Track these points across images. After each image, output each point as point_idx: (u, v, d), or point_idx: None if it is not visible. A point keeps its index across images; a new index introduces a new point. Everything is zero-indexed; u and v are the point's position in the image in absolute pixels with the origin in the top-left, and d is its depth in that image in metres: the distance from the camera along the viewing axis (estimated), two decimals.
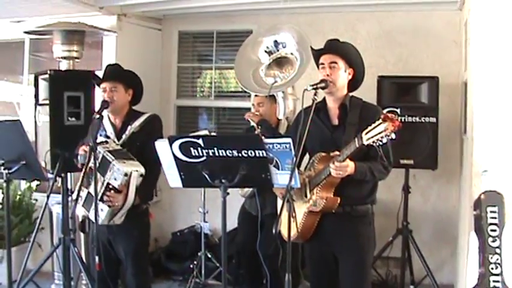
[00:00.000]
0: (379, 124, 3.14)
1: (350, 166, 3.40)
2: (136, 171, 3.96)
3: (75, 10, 5.89)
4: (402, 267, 5.69)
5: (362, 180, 3.58)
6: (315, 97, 3.52)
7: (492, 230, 4.05)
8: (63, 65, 5.69)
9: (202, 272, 5.81)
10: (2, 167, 4.28)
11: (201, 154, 3.41)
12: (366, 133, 3.21)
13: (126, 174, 3.92)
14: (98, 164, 3.93)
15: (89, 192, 4.12)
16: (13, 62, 6.82)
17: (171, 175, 3.57)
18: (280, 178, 3.33)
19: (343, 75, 3.68)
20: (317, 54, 3.77)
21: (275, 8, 6.27)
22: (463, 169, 5.33)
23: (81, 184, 3.97)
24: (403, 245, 5.60)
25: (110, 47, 6.24)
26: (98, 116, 3.97)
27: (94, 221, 3.90)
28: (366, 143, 3.20)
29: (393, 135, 3.13)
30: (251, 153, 3.30)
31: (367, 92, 5.56)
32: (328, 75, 3.62)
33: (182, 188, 3.63)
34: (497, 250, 4.03)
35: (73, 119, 4.99)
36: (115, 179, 3.95)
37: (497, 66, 4.30)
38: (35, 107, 5.22)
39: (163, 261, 6.43)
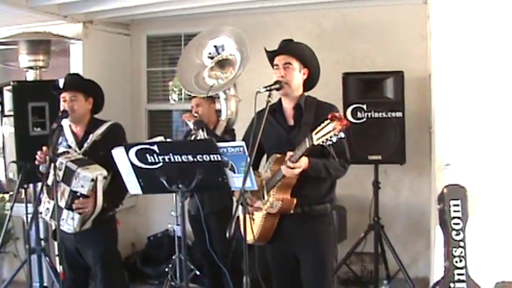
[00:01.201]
0: (328, 124, 3.16)
1: (304, 162, 3.40)
2: (101, 174, 3.97)
3: (40, 20, 5.87)
4: (376, 262, 5.71)
5: (319, 180, 3.58)
6: (269, 99, 3.51)
7: (455, 224, 4.09)
8: (30, 75, 5.71)
9: (177, 275, 5.80)
10: None
11: (157, 160, 3.42)
12: (316, 133, 3.22)
13: (92, 180, 3.92)
14: (61, 175, 3.96)
15: (55, 204, 4.08)
16: None
17: (130, 182, 3.58)
18: (237, 181, 3.34)
19: (297, 75, 3.67)
20: (271, 55, 3.76)
21: (240, 9, 6.27)
22: (432, 162, 5.36)
23: (42, 193, 4.03)
24: (375, 240, 5.62)
25: (77, 55, 6.23)
26: (55, 126, 3.96)
27: (64, 230, 3.98)
28: (316, 142, 3.21)
29: (342, 134, 3.14)
30: (206, 157, 3.31)
31: (334, 89, 5.63)
32: (282, 76, 3.62)
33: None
34: (461, 243, 4.07)
35: (38, 129, 5.00)
36: (82, 186, 3.95)
37: (457, 60, 4.34)
38: (1, 119, 5.21)
39: (139, 266, 6.44)
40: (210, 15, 6.49)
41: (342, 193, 6.06)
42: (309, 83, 3.79)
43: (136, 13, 6.33)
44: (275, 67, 3.70)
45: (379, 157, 5.45)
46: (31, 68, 5.64)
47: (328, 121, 3.16)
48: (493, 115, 4.29)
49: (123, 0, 5.81)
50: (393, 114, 5.41)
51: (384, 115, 5.43)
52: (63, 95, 4.21)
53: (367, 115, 5.44)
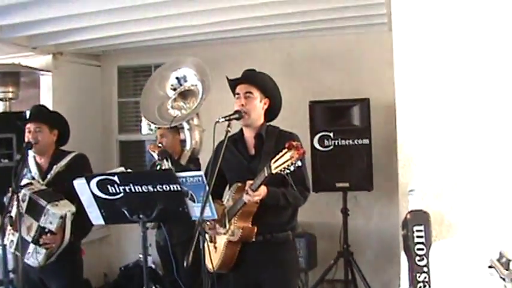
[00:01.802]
0: (285, 153, 3.17)
1: (263, 191, 3.42)
2: (69, 211, 3.99)
3: (9, 52, 5.89)
4: None
5: (280, 207, 3.59)
6: (228, 129, 3.53)
7: (419, 249, 4.08)
8: None
9: None
10: None
11: (118, 191, 3.40)
12: (274, 161, 3.23)
13: (61, 217, 3.95)
14: (25, 207, 3.97)
15: (20, 236, 4.06)
16: None
17: (92, 213, 3.55)
18: (197, 210, 3.31)
19: (258, 105, 3.70)
20: (233, 84, 3.79)
21: (210, 39, 6.33)
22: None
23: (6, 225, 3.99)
24: (345, 267, 5.62)
25: (47, 86, 6.26)
26: (19, 157, 4.02)
27: (29, 264, 4.01)
28: (274, 171, 3.22)
29: (299, 163, 3.16)
30: (166, 187, 3.31)
31: (303, 117, 5.68)
32: (243, 105, 3.65)
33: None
34: (425, 269, 4.05)
35: (6, 160, 4.99)
36: (50, 223, 3.97)
37: (420, 86, 4.36)
38: None
39: None
40: (180, 46, 6.54)
41: (311, 220, 6.19)
42: (271, 113, 3.81)
43: (106, 44, 6.37)
44: (236, 96, 3.73)
45: (347, 184, 5.50)
46: (0, 99, 5.64)
47: (286, 150, 3.18)
48: (458, 140, 4.31)
49: (92, 32, 5.81)
50: (360, 141, 5.48)
51: (351, 142, 5.49)
52: (28, 125, 4.23)
53: (334, 143, 5.50)
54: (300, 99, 5.98)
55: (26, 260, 4.07)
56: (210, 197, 3.26)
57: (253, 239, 3.57)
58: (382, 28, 5.92)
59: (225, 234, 3.64)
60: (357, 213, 6.05)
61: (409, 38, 4.42)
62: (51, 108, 6.01)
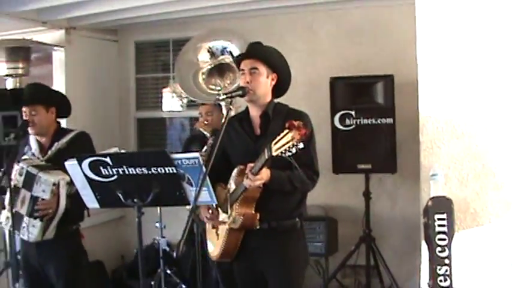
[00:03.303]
0: (286, 133, 2.90)
1: (265, 174, 3.17)
2: (63, 179, 3.82)
3: (19, 26, 5.72)
4: (367, 276, 5.45)
5: (286, 193, 3.34)
6: (230, 106, 3.28)
7: (440, 239, 3.80)
8: (9, 83, 5.56)
9: None
10: None
11: (111, 173, 3.20)
12: (275, 143, 2.97)
13: (54, 184, 3.80)
14: (22, 181, 3.87)
15: (15, 212, 3.95)
16: None
17: (87, 196, 3.36)
18: None
19: (264, 81, 3.42)
20: (237, 59, 3.52)
21: (229, 12, 6.05)
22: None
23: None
24: (367, 253, 5.36)
25: (59, 62, 6.07)
26: (14, 135, 3.94)
27: (25, 239, 3.91)
28: (274, 153, 2.95)
29: (301, 145, 2.88)
30: (161, 170, 3.09)
31: (326, 95, 5.39)
32: (248, 82, 3.37)
33: None
34: (446, 261, 3.77)
35: (12, 137, 4.85)
36: (43, 191, 3.83)
37: (444, 63, 4.08)
38: None
39: (125, 279, 6.27)
40: (199, 19, 6.28)
41: (333, 203, 5.92)
42: (279, 89, 3.53)
43: (121, 17, 6.11)
44: (241, 72, 3.46)
45: (369, 166, 5.22)
46: (10, 75, 5.50)
47: (287, 130, 2.91)
48: (486, 121, 4.02)
49: (106, 4, 5.59)
50: (383, 120, 5.17)
51: (374, 122, 5.19)
52: (23, 109, 4.09)
53: (356, 122, 5.20)
54: (322, 75, 5.69)
55: (21, 236, 3.95)
56: (209, 181, 3.02)
57: (258, 227, 3.33)
58: (409, 0, 5.57)
59: (227, 220, 3.40)
60: (382, 196, 5.76)
61: (432, 13, 4.14)
62: (64, 86, 5.92)
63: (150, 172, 3.11)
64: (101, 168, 3.19)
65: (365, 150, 5.18)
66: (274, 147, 2.96)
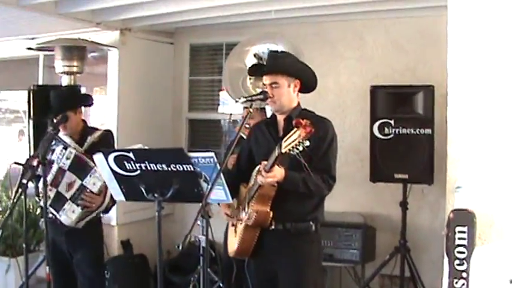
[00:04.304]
0: (295, 131, 3.06)
1: (279, 173, 3.28)
2: None
3: (74, 27, 5.98)
4: (401, 286, 5.41)
5: (303, 195, 3.43)
6: (250, 109, 3.41)
7: (459, 252, 3.75)
8: (65, 80, 5.82)
9: (201, 285, 5.70)
10: None
11: (135, 168, 3.38)
12: (285, 141, 3.12)
13: (105, 182, 3.94)
14: (69, 164, 4.14)
15: (58, 192, 4.19)
16: (31, 77, 6.99)
17: (114, 188, 3.58)
18: (213, 193, 3.23)
19: (287, 91, 3.57)
20: (258, 75, 3.70)
21: (282, 18, 6.13)
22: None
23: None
24: (401, 263, 5.32)
25: (114, 62, 6.29)
26: (51, 129, 4.13)
27: (61, 221, 4.14)
28: (283, 150, 3.10)
29: (307, 143, 2.99)
30: (179, 167, 3.25)
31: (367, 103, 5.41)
32: (271, 96, 3.53)
33: None
34: (463, 274, 3.72)
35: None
36: (94, 184, 4.10)
37: (473, 74, 4.02)
38: (28, 120, 5.38)
39: (167, 274, 6.42)
40: (252, 24, 6.41)
41: (373, 212, 5.91)
42: (306, 88, 3.67)
43: (175, 20, 6.27)
44: (264, 85, 3.61)
45: (406, 176, 5.18)
46: (66, 73, 5.76)
47: (295, 129, 3.06)
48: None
49: (161, 6, 5.76)
50: (422, 130, 5.12)
51: (413, 131, 5.15)
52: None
53: (395, 131, 5.18)
54: (369, 83, 5.69)
55: (59, 217, 4.17)
56: (224, 179, 3.15)
57: (273, 226, 3.46)
58: None
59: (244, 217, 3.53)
60: (424, 208, 5.72)
61: (465, 22, 4.09)
62: (117, 85, 6.14)
63: (169, 169, 3.26)
64: (125, 162, 3.37)
65: (403, 160, 5.15)
66: (283, 145, 3.09)
